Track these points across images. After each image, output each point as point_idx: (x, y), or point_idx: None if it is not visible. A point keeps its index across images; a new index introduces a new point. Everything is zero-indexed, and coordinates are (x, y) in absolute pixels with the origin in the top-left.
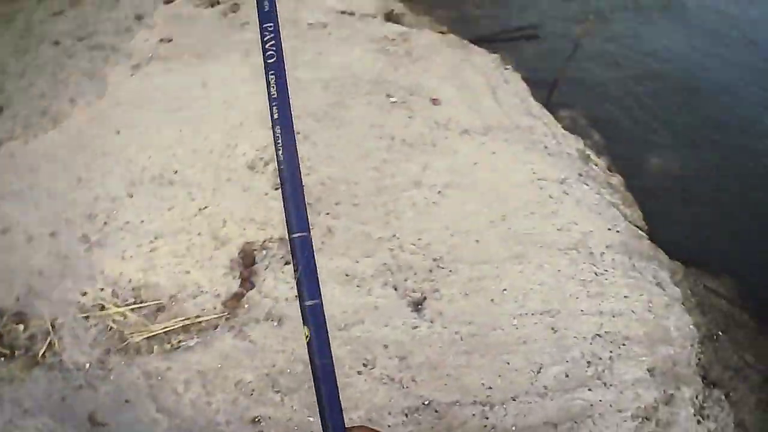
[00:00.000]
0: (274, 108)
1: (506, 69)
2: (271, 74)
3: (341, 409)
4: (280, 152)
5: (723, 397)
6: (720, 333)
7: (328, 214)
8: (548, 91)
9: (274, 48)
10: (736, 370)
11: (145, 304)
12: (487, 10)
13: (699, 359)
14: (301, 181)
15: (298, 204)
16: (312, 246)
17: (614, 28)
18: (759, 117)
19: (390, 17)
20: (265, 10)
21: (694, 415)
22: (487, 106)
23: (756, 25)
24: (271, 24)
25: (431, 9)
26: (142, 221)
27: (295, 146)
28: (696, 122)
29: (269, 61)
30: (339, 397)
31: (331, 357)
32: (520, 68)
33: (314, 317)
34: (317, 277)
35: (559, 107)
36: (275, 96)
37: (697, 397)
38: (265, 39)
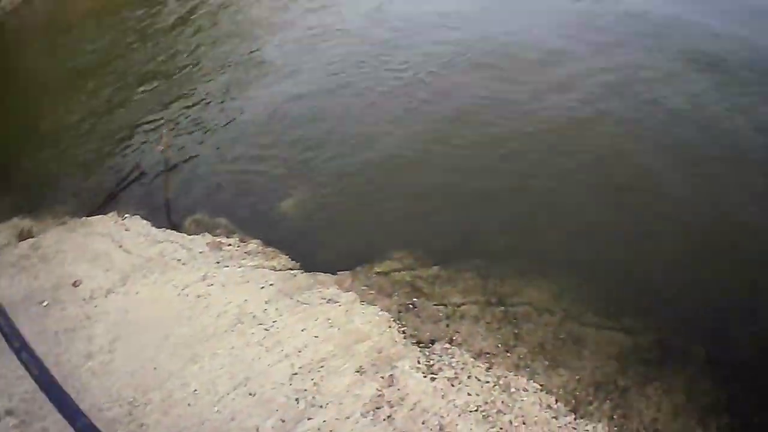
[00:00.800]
0: None
1: (125, 219)
2: None
3: None
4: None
5: (447, 345)
6: (415, 299)
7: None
8: (166, 213)
9: None
10: (448, 316)
11: None
12: (95, 178)
13: (403, 332)
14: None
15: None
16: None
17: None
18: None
19: (23, 235)
20: None
21: (425, 376)
22: (119, 260)
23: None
24: None
25: (53, 206)
26: None
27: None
28: (306, 154)
29: None
30: None
31: None
32: (139, 210)
33: None
34: None
35: (183, 219)
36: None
37: (419, 362)
38: None
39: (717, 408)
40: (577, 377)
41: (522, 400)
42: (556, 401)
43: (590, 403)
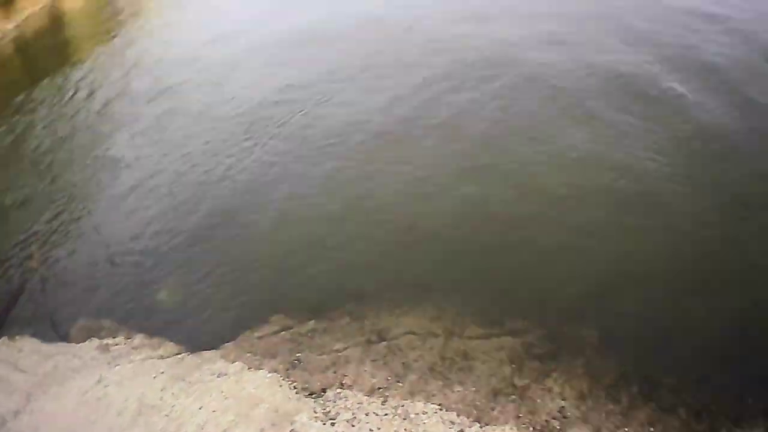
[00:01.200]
0: None
1: (16, 341)
2: None
3: None
4: None
5: (339, 390)
6: (298, 355)
7: None
8: (52, 326)
9: None
10: (334, 363)
11: None
12: None
13: (295, 387)
14: None
15: None
16: None
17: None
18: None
19: None
20: None
21: (324, 423)
22: (19, 381)
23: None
24: None
25: None
26: None
27: None
28: (171, 244)
29: None
30: None
31: None
32: (27, 329)
33: None
34: None
35: (69, 328)
36: None
37: (315, 411)
38: None
39: (623, 381)
40: (473, 389)
41: (424, 423)
42: (458, 415)
43: (493, 409)
